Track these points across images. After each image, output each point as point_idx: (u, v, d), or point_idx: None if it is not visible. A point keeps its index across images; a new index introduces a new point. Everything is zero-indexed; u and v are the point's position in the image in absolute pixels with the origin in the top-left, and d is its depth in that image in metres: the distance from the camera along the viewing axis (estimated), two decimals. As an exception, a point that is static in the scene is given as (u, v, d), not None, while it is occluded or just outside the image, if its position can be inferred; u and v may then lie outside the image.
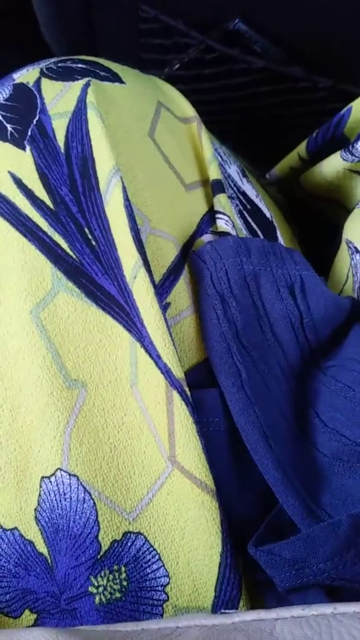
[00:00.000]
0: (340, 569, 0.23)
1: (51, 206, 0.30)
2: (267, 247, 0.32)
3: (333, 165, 0.41)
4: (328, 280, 0.38)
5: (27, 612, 0.28)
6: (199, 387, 0.28)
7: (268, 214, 0.40)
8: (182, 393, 0.27)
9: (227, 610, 0.26)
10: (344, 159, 0.40)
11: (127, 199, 0.29)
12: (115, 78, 0.35)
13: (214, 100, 0.50)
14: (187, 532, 0.27)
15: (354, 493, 0.26)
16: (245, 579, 0.26)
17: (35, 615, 0.27)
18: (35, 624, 0.27)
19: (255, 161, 0.49)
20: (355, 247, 0.36)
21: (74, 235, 0.29)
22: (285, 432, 0.28)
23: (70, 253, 0.29)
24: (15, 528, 0.27)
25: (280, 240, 0.39)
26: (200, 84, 0.49)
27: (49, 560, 0.27)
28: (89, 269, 0.29)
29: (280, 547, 0.24)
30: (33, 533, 0.27)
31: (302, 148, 0.44)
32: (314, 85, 0.47)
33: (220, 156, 0.39)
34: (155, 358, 0.28)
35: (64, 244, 0.29)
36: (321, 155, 0.42)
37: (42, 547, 0.27)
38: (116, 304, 0.29)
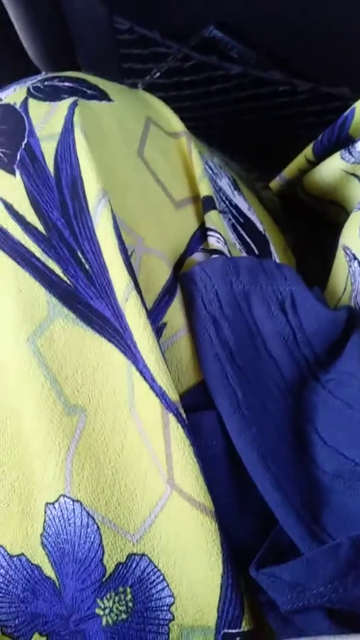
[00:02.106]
0: (341, 593, 0.23)
1: (43, 232, 0.30)
2: (256, 265, 0.31)
3: (332, 166, 0.40)
4: (326, 288, 0.38)
5: (36, 635, 0.28)
6: (197, 408, 0.29)
7: (260, 227, 0.40)
8: (177, 415, 0.27)
9: (230, 630, 0.26)
10: (343, 159, 0.39)
11: (115, 221, 0.29)
12: (102, 96, 0.35)
13: (196, 106, 0.50)
14: (188, 553, 0.27)
15: (354, 512, 0.26)
16: (248, 599, 0.27)
17: (44, 638, 0.28)
18: None
19: (243, 164, 0.49)
20: (353, 254, 0.36)
21: (67, 260, 0.29)
22: (284, 451, 0.28)
23: (64, 278, 0.29)
24: (22, 554, 0.28)
25: (273, 252, 0.39)
26: (182, 91, 0.49)
27: (57, 584, 0.28)
28: (84, 293, 0.29)
29: (281, 570, 0.25)
30: (40, 558, 0.28)
31: (309, 150, 0.44)
32: (293, 88, 0.47)
33: (211, 169, 0.38)
34: (150, 381, 0.28)
35: (57, 270, 0.29)
36: (327, 157, 0.42)
37: (49, 571, 0.28)
38: (111, 327, 0.29)
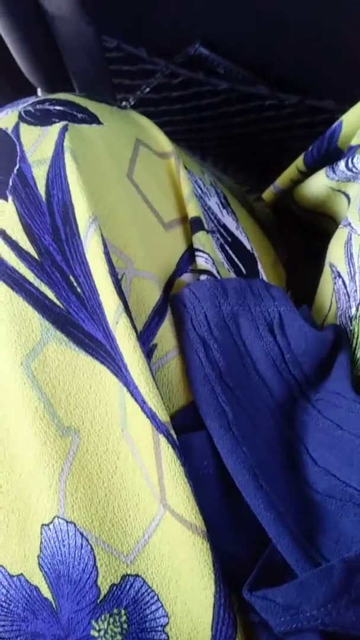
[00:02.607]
0: (334, 616, 0.23)
1: (36, 256, 0.30)
2: (244, 286, 0.32)
3: (319, 183, 0.41)
4: (313, 304, 0.38)
5: None
6: (188, 429, 0.29)
7: (248, 246, 0.40)
8: (168, 437, 0.27)
9: None
10: (327, 177, 0.40)
11: (105, 245, 0.30)
12: (92, 119, 0.35)
13: (187, 120, 0.50)
14: (182, 573, 0.27)
15: (346, 532, 0.26)
16: (242, 619, 0.27)
17: None
18: None
19: (235, 177, 0.50)
20: (338, 272, 0.36)
21: (60, 284, 0.30)
22: (275, 470, 0.28)
23: (57, 302, 0.30)
24: (22, 574, 0.28)
25: (261, 271, 0.39)
26: (172, 106, 0.49)
27: (54, 605, 0.28)
28: (76, 317, 0.30)
29: (274, 592, 0.25)
30: (38, 579, 0.28)
31: (300, 161, 0.44)
32: (280, 102, 0.47)
33: (200, 188, 0.39)
34: (141, 403, 0.28)
35: (50, 294, 0.30)
36: (318, 168, 0.42)
37: (46, 592, 0.28)
38: (103, 349, 0.29)
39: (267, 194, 0.51)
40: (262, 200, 0.52)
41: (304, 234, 0.52)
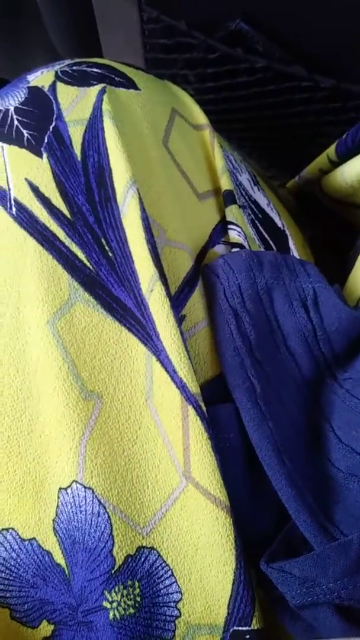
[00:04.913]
0: (350, 589, 0.23)
1: (68, 216, 0.30)
2: (279, 261, 0.31)
3: (355, 167, 0.40)
4: (345, 287, 0.38)
5: (44, 622, 0.28)
6: (214, 401, 0.28)
7: (280, 223, 0.39)
8: (197, 408, 0.27)
9: (240, 628, 0.26)
10: None
11: (144, 211, 0.29)
12: (129, 84, 0.35)
13: (218, 99, 0.50)
14: (200, 548, 0.27)
15: None
16: (258, 595, 0.26)
17: (52, 627, 0.28)
18: (53, 635, 0.28)
19: (260, 162, 0.49)
20: None
21: (91, 246, 0.29)
22: (299, 447, 0.28)
23: (87, 264, 0.29)
24: (34, 538, 0.28)
25: (293, 248, 0.39)
26: (204, 84, 0.49)
27: (67, 572, 0.27)
28: (106, 281, 0.29)
29: (291, 565, 0.25)
30: (51, 543, 0.28)
31: (331, 150, 0.44)
32: (315, 84, 0.47)
33: (232, 163, 0.38)
34: (171, 372, 0.27)
35: (81, 255, 0.29)
36: (350, 157, 0.41)
37: (59, 558, 0.27)
38: (132, 316, 0.29)
39: (292, 183, 0.50)
40: (284, 187, 0.51)
41: (323, 225, 0.51)
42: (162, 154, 0.33)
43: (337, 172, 0.43)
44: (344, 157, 0.43)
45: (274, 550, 0.26)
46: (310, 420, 0.29)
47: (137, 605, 0.27)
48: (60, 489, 0.27)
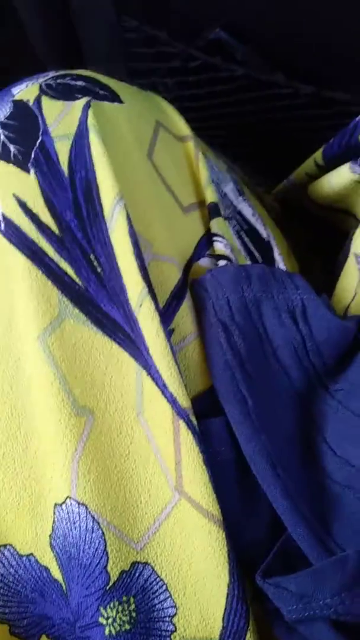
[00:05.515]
0: (348, 605, 0.23)
1: (57, 232, 0.30)
2: (267, 273, 0.31)
3: (342, 176, 0.40)
4: (334, 295, 0.38)
5: (44, 637, 0.28)
6: (205, 415, 0.28)
7: (265, 234, 0.40)
8: (188, 423, 0.27)
9: None
10: (353, 172, 0.39)
11: (131, 226, 0.29)
12: (114, 97, 0.35)
13: (199, 107, 0.50)
14: (194, 562, 0.27)
15: None
16: (253, 608, 0.26)
17: None
18: None
19: (244, 168, 0.49)
20: None
21: (80, 261, 0.29)
22: (293, 459, 0.28)
23: (77, 280, 0.29)
24: (31, 554, 0.28)
25: (279, 259, 0.39)
26: (185, 92, 0.49)
27: (64, 587, 0.27)
28: (95, 296, 0.29)
29: (288, 580, 0.25)
30: (48, 559, 0.27)
31: (318, 154, 0.44)
32: (296, 91, 0.47)
33: (217, 174, 0.38)
34: (162, 387, 0.27)
35: (70, 271, 0.29)
36: (337, 162, 0.41)
37: (57, 574, 0.27)
38: (122, 331, 0.29)
39: (280, 187, 0.50)
40: (269, 194, 0.51)
41: (307, 232, 0.51)
42: (147, 168, 0.33)
43: (323, 179, 0.43)
44: (330, 161, 0.43)
45: (270, 563, 0.26)
46: (303, 431, 0.29)
47: (132, 620, 0.26)
48: (55, 504, 0.27)
